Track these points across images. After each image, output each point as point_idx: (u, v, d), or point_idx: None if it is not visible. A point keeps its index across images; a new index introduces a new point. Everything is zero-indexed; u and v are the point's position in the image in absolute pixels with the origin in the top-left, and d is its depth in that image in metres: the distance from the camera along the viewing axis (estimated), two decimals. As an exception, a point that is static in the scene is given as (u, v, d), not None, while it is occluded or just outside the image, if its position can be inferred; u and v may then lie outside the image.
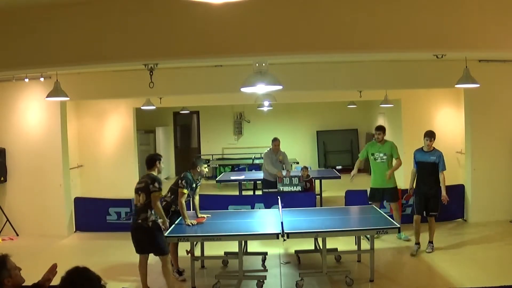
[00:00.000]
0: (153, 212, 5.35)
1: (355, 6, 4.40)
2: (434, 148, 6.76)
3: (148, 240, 5.35)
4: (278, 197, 7.44)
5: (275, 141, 9.10)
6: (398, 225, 5.68)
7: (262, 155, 9.76)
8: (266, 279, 5.72)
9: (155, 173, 5.55)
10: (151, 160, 5.62)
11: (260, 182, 10.84)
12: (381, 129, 7.73)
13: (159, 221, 5.46)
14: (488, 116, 8.36)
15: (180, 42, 4.51)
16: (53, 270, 3.25)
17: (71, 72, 7.98)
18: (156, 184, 5.35)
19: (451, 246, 6.99)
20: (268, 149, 9.26)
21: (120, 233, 7.17)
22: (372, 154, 7.67)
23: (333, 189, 11.32)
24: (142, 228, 5.32)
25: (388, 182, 7.55)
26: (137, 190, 5.46)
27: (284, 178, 8.84)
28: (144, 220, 5.31)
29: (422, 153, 6.82)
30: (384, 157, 7.56)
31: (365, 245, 6.04)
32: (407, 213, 8.62)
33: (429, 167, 6.67)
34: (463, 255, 6.54)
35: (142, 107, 10.76)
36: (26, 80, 8.10)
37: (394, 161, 7.63)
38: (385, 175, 7.47)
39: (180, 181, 5.91)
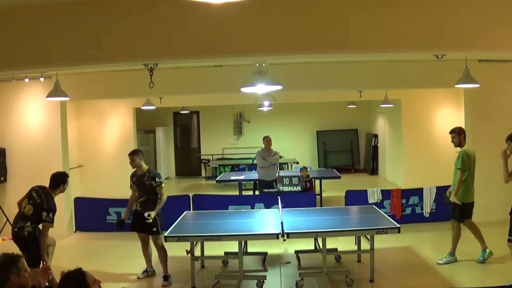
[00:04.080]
0: (30, 223, 5.15)
1: (355, 7, 4.41)
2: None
3: (22, 249, 5.04)
4: (278, 197, 7.44)
5: (266, 138, 9.06)
6: (398, 225, 5.67)
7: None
8: (266, 279, 5.71)
9: (54, 195, 5.30)
10: (57, 181, 5.36)
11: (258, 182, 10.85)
12: (453, 131, 6.43)
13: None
14: (488, 116, 8.35)
15: (180, 42, 4.52)
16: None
17: (71, 72, 7.98)
18: (51, 215, 5.15)
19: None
20: (260, 149, 9.25)
21: (120, 233, 7.14)
22: None
23: (333, 189, 11.33)
24: (17, 237, 5.15)
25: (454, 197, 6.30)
26: (30, 199, 5.23)
27: (284, 179, 8.85)
28: (21, 229, 5.14)
29: None
30: (455, 166, 6.36)
31: (365, 245, 6.03)
32: (406, 213, 8.64)
33: None
34: (463, 255, 6.52)
35: (142, 107, 10.77)
36: (26, 80, 8.09)
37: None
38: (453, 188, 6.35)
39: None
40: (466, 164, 6.26)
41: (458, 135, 6.38)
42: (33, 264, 4.98)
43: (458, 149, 6.42)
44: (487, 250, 6.27)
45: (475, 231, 6.36)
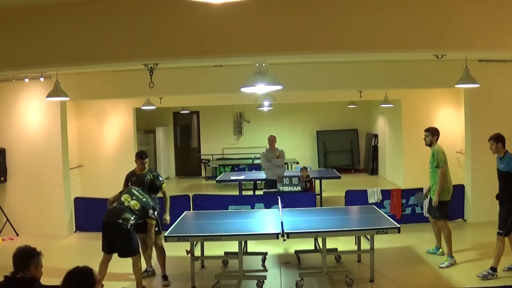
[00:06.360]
0: (134, 217, 5.53)
1: (355, 6, 4.41)
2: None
3: (118, 240, 5.46)
4: (278, 197, 7.44)
5: (269, 137, 9.12)
6: (398, 225, 5.67)
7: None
8: (266, 279, 5.72)
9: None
10: (155, 186, 6.04)
11: (260, 182, 10.86)
12: (428, 130, 6.64)
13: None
14: (488, 116, 8.34)
15: (180, 42, 4.52)
16: None
17: (71, 72, 7.98)
18: (155, 213, 5.74)
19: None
20: (265, 149, 9.27)
21: (120, 233, 7.22)
22: None
23: (333, 189, 11.33)
24: (120, 228, 5.43)
25: (433, 194, 6.47)
26: (132, 195, 5.68)
27: (284, 179, 8.84)
28: (125, 221, 5.44)
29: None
30: (430, 165, 6.58)
31: (365, 245, 6.03)
32: (406, 213, 8.64)
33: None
34: (463, 255, 6.53)
35: (142, 107, 10.77)
36: (26, 80, 8.09)
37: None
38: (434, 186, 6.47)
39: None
40: (444, 162, 6.40)
41: (431, 135, 6.55)
42: (134, 253, 5.52)
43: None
44: (453, 258, 6.21)
45: (448, 234, 6.34)
